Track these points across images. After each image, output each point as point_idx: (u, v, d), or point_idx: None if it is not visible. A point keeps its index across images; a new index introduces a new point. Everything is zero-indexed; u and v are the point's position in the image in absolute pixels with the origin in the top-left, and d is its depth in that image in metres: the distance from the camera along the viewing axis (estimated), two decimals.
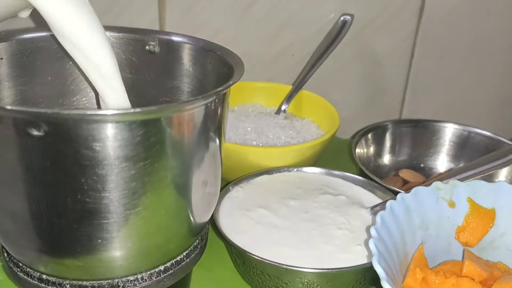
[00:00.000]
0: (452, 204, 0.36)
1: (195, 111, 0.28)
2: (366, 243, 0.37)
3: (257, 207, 0.40)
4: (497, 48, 0.60)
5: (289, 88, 0.56)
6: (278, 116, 0.54)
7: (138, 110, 0.25)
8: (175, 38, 0.38)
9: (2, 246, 0.33)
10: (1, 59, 0.34)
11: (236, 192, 0.42)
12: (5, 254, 0.33)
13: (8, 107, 0.24)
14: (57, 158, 0.26)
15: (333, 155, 0.52)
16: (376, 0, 0.58)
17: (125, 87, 0.39)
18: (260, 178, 0.44)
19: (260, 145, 0.49)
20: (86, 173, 0.26)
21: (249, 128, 0.51)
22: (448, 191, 0.36)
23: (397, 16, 0.58)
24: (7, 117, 0.25)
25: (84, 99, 0.39)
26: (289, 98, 0.55)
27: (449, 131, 0.51)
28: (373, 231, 0.31)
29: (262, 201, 0.41)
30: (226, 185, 0.42)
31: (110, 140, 0.26)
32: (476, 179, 0.37)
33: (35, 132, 0.25)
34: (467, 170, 0.38)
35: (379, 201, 0.42)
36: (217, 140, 0.32)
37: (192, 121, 0.28)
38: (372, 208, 0.40)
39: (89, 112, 0.25)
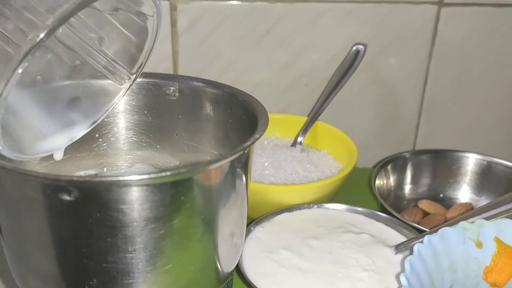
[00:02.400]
0: (479, 244, 0.36)
1: (224, 167, 0.28)
2: (392, 286, 0.36)
3: (280, 248, 0.40)
4: (511, 74, 0.60)
5: (304, 119, 0.56)
6: (295, 148, 0.54)
7: (168, 173, 0.25)
8: (195, 83, 0.38)
9: None
10: None
11: (257, 233, 0.42)
12: None
13: (41, 174, 0.24)
14: (87, 222, 0.26)
15: (351, 185, 0.51)
16: (389, 27, 0.58)
17: (146, 131, 0.40)
18: (280, 216, 0.44)
19: (279, 180, 0.49)
20: (116, 235, 0.26)
21: (266, 163, 0.50)
22: (475, 231, 0.36)
23: (410, 43, 0.58)
24: (39, 183, 0.25)
25: (105, 144, 0.39)
26: (304, 130, 0.55)
27: (469, 161, 0.51)
28: (403, 279, 0.31)
29: (285, 242, 0.41)
30: (247, 225, 0.42)
31: (140, 203, 0.26)
32: (503, 217, 0.37)
33: (66, 197, 0.25)
34: (493, 208, 0.38)
35: (403, 238, 0.42)
36: (244, 190, 0.32)
37: (220, 176, 0.28)
38: (397, 247, 0.40)
39: (119, 178, 0.25)
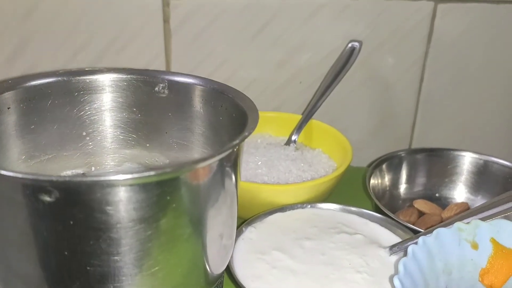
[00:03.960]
0: (475, 246, 0.35)
1: (211, 166, 0.27)
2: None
3: (272, 249, 0.39)
4: (508, 71, 0.59)
5: (298, 117, 0.55)
6: (288, 147, 0.53)
7: (152, 173, 0.24)
8: (184, 80, 0.37)
9: None
10: (8, 108, 0.33)
11: (249, 233, 0.41)
12: None
13: (19, 175, 0.23)
14: (69, 223, 0.25)
15: (345, 184, 0.50)
16: (385, 24, 0.57)
17: (134, 129, 0.39)
18: (273, 216, 0.43)
19: (272, 180, 0.48)
20: (100, 237, 0.25)
21: (260, 162, 0.49)
22: (471, 232, 0.35)
23: (406, 40, 0.58)
24: (17, 184, 0.24)
25: (92, 142, 0.38)
26: (299, 129, 0.54)
27: (465, 160, 0.50)
28: (396, 282, 0.30)
29: (277, 243, 0.40)
30: (239, 225, 0.41)
31: (125, 203, 0.25)
32: (499, 218, 0.36)
33: (46, 198, 0.24)
34: (489, 209, 0.37)
35: (397, 239, 0.41)
36: (234, 190, 0.31)
37: (208, 175, 0.27)
38: (391, 248, 0.39)
39: (102, 178, 0.24)
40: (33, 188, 0.24)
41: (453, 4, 0.56)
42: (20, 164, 0.34)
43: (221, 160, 0.28)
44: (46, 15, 0.52)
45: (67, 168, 0.38)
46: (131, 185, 0.24)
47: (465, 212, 0.39)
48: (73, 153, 0.37)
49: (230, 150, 0.28)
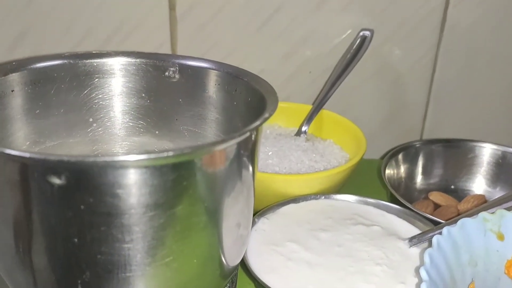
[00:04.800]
0: (501, 237, 0.34)
1: (230, 150, 0.26)
2: (408, 281, 0.34)
3: (286, 241, 0.38)
4: None
5: (308, 108, 0.54)
6: (299, 138, 0.51)
7: (170, 153, 0.22)
8: (197, 63, 0.35)
9: None
10: (12, 91, 0.32)
11: (262, 225, 0.39)
12: None
13: (28, 154, 0.21)
14: (79, 208, 0.23)
15: (357, 176, 0.49)
16: (396, 14, 0.55)
17: (143, 115, 0.37)
18: (286, 207, 0.42)
19: (284, 170, 0.46)
20: (111, 223, 0.24)
21: (270, 152, 0.48)
22: (496, 222, 0.34)
23: (418, 30, 0.56)
24: (25, 164, 0.22)
25: (100, 129, 0.37)
26: (309, 119, 0.52)
27: (484, 151, 0.49)
28: (423, 273, 0.29)
29: (291, 234, 0.38)
30: None
31: (139, 187, 0.23)
32: None
33: (56, 180, 0.22)
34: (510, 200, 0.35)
35: (415, 230, 0.39)
36: (251, 178, 0.29)
37: (226, 160, 0.26)
38: (410, 239, 0.37)
39: (115, 159, 0.22)
40: (42, 170, 0.22)
41: None
42: (25, 150, 0.32)
43: (239, 144, 0.26)
44: (46, 4, 0.51)
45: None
46: (146, 167, 0.23)
47: (487, 202, 0.38)
48: (80, 139, 0.36)
49: (249, 134, 0.26)
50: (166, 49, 0.55)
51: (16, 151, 0.21)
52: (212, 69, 0.35)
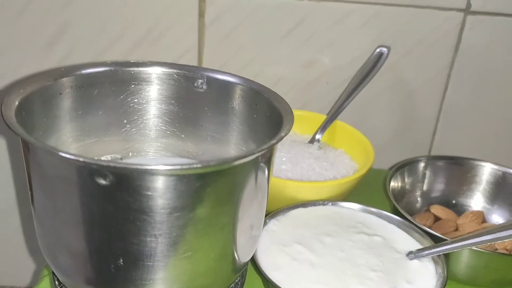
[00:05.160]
0: None
1: (250, 161, 0.29)
2: (400, 287, 0.38)
3: (293, 242, 0.41)
4: None
5: (323, 117, 0.57)
6: (312, 145, 0.55)
7: (198, 165, 0.26)
8: (223, 77, 0.39)
9: (53, 275, 0.35)
10: (60, 94, 0.36)
11: (272, 226, 0.43)
12: (56, 283, 0.34)
13: (82, 158, 0.25)
14: (119, 205, 0.27)
15: (365, 185, 0.52)
16: (413, 31, 0.58)
17: (172, 120, 0.41)
18: (295, 211, 0.45)
19: (295, 176, 0.50)
20: (144, 220, 0.28)
21: (284, 158, 0.51)
22: None
23: (433, 49, 0.59)
24: (78, 165, 0.26)
25: (133, 130, 0.41)
26: (323, 128, 0.56)
27: (484, 170, 0.52)
28: None
29: (298, 236, 0.42)
30: None
31: (170, 191, 0.27)
32: None
33: (102, 181, 0.26)
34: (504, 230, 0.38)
35: (413, 241, 0.43)
36: (266, 185, 0.33)
37: (245, 170, 0.30)
38: (408, 254, 0.41)
39: (152, 168, 0.26)
40: (91, 171, 0.26)
41: (483, 17, 0.57)
42: (67, 146, 0.37)
43: (258, 157, 0.30)
44: (84, 4, 0.54)
45: (107, 152, 0.40)
46: (177, 175, 0.27)
47: (477, 231, 0.40)
48: (115, 138, 0.40)
49: (268, 149, 0.30)
50: (193, 54, 0.59)
51: (71, 154, 0.25)
52: (237, 83, 0.38)
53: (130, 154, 0.41)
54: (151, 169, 0.26)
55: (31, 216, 0.32)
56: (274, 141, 0.30)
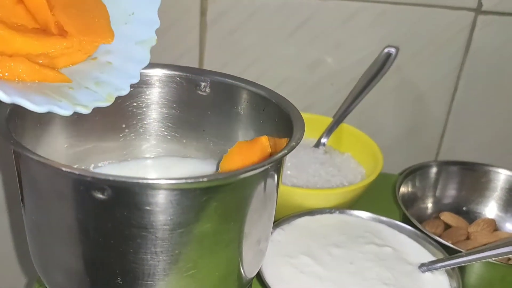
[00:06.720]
0: None
1: (259, 174, 0.27)
2: None
3: (300, 253, 0.40)
4: None
5: (328, 120, 0.55)
6: (317, 149, 0.53)
7: (204, 179, 0.24)
8: (227, 80, 0.37)
9: None
10: None
11: (277, 235, 0.41)
12: None
13: (77, 171, 0.23)
14: (117, 221, 0.25)
15: (374, 190, 0.50)
16: (422, 31, 0.56)
17: (173, 124, 0.39)
18: (301, 219, 0.43)
19: (301, 183, 0.48)
20: (145, 237, 0.26)
21: (289, 163, 0.50)
22: None
23: (442, 49, 0.57)
24: (73, 178, 0.24)
25: (132, 135, 0.39)
26: (329, 131, 0.54)
27: (499, 177, 0.50)
28: None
29: (305, 247, 0.40)
30: None
31: (173, 206, 0.25)
32: None
33: (99, 195, 0.24)
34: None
35: (425, 252, 0.41)
36: (275, 197, 0.31)
37: (254, 183, 0.28)
38: (421, 266, 0.39)
39: (154, 182, 0.24)
40: (87, 185, 0.24)
41: (494, 17, 0.55)
42: (62, 153, 0.35)
43: (267, 169, 0.28)
44: None
45: (105, 159, 0.38)
46: (181, 189, 0.25)
47: (494, 243, 0.39)
48: (112, 144, 0.38)
49: (278, 160, 0.28)
50: (194, 54, 0.57)
51: (66, 166, 0.23)
52: (243, 87, 0.36)
53: (129, 159, 0.39)
54: (153, 183, 0.24)
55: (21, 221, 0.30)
56: (285, 151, 0.28)
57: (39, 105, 0.25)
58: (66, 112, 0.26)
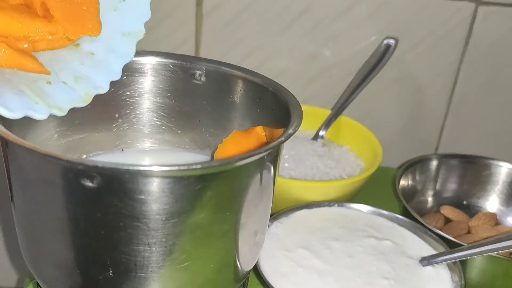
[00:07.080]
0: None
1: (255, 162, 0.26)
2: None
3: (298, 247, 0.39)
4: None
5: (327, 112, 0.54)
6: (316, 142, 0.52)
7: (198, 166, 0.23)
8: (223, 68, 0.36)
9: (37, 285, 0.32)
10: None
11: (275, 228, 0.40)
12: None
13: (65, 157, 0.22)
14: (108, 210, 0.24)
15: (373, 183, 0.49)
16: (422, 23, 0.55)
17: (167, 114, 0.38)
18: (299, 212, 0.42)
19: (299, 175, 0.47)
20: (137, 227, 0.25)
21: (287, 156, 0.49)
22: None
23: (442, 42, 0.56)
24: (61, 166, 0.23)
25: (125, 125, 0.38)
26: (327, 124, 0.53)
27: (501, 170, 0.49)
28: None
29: (303, 240, 0.39)
30: None
31: (166, 195, 0.24)
32: None
33: (89, 183, 0.23)
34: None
35: (426, 246, 0.40)
36: (272, 187, 0.30)
37: (250, 172, 0.27)
38: (421, 260, 0.38)
39: (146, 168, 0.23)
40: (76, 172, 0.23)
41: (495, 7, 0.55)
42: (52, 143, 0.34)
43: (263, 157, 0.27)
44: None
45: (97, 149, 0.37)
46: (173, 177, 0.23)
47: (496, 236, 0.38)
48: (105, 134, 0.37)
49: (275, 148, 0.27)
50: (190, 45, 0.56)
51: (54, 153, 0.22)
52: (239, 75, 0.35)
53: (123, 150, 0.38)
54: (145, 170, 0.23)
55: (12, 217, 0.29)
56: (282, 138, 0.27)
57: (13, 111, 0.24)
58: (41, 116, 0.25)
